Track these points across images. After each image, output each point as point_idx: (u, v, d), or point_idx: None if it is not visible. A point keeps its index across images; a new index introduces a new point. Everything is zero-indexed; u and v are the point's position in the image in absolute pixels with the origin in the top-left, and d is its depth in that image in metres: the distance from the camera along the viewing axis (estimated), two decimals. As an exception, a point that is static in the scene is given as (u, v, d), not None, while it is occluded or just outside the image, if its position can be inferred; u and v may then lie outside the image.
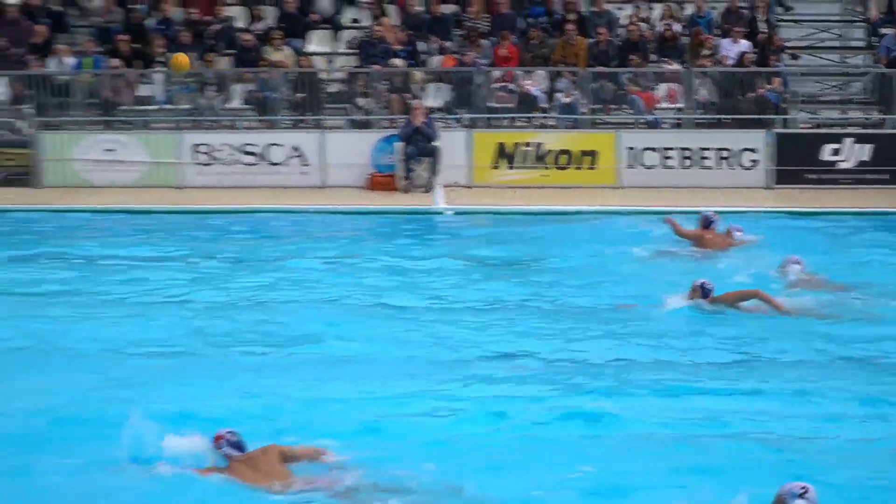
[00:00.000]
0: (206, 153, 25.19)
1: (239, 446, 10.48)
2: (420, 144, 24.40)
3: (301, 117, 26.23)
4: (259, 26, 27.49)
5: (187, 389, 12.97)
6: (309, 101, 26.01)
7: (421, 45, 26.50)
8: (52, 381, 13.39)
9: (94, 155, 25.27)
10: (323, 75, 26.84)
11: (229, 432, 10.53)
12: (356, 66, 26.53)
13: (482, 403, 12.61)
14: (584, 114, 25.42)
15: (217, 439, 10.46)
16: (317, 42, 27.64)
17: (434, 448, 11.30)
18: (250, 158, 25.10)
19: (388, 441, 11.37)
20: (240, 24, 27.92)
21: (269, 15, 27.98)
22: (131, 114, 26.54)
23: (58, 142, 25.47)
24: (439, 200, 23.51)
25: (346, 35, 27.60)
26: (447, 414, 12.33)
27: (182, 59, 18.52)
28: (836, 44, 28.11)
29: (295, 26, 27.40)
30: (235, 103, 26.67)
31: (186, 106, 26.61)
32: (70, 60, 26.78)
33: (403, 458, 10.83)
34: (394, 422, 11.92)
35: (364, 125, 26.09)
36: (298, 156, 25.04)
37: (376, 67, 25.91)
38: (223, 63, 26.97)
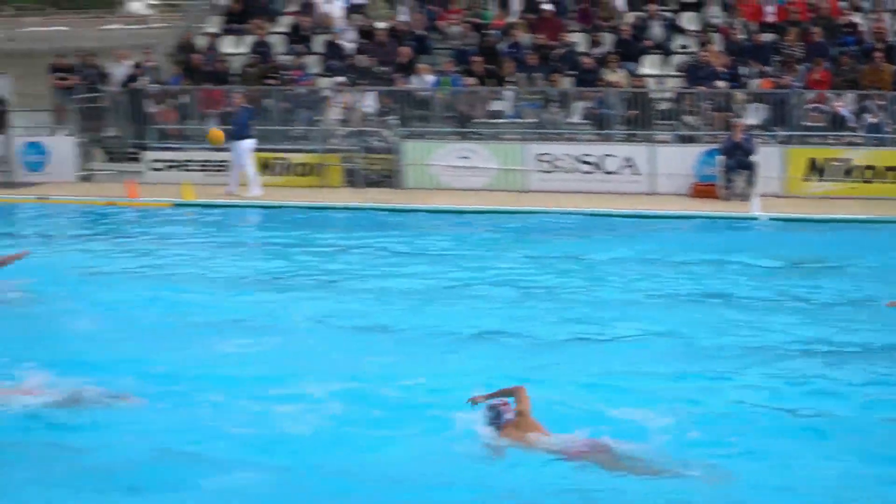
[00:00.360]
0: (548, 161, 26.68)
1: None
2: (739, 158, 25.16)
3: (633, 132, 27.07)
4: (598, 51, 28.56)
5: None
6: (641, 118, 26.99)
7: (742, 69, 27.12)
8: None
9: (449, 161, 27.07)
10: (654, 95, 27.64)
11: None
12: (684, 87, 27.28)
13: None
14: (889, 133, 25.76)
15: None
16: (649, 65, 28.46)
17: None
18: (587, 167, 26.45)
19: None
20: (581, 48, 28.88)
21: (607, 41, 28.91)
22: (483, 126, 27.98)
23: (418, 149, 27.30)
24: (755, 208, 24.08)
25: (676, 59, 28.40)
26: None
27: (217, 133, 20.48)
28: None
29: (630, 51, 28.42)
30: (575, 118, 27.74)
31: (532, 120, 27.75)
32: (430, 78, 28.45)
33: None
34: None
35: (689, 140, 26.85)
36: (630, 166, 26.28)
37: (702, 88, 26.78)
38: (566, 82, 28.06)
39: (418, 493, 10.98)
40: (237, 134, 26.87)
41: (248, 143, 26.97)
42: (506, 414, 11.44)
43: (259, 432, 12.19)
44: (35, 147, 29.49)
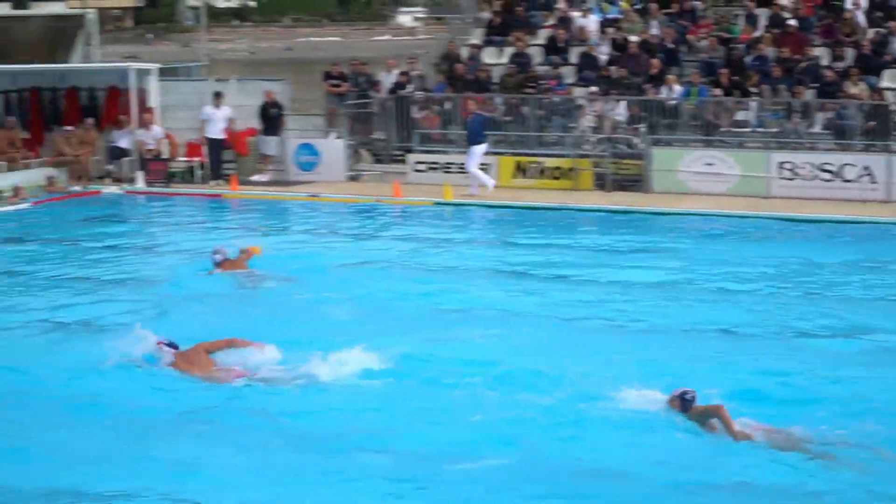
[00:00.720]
0: (789, 169, 27.11)
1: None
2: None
3: (872, 142, 27.31)
4: (840, 64, 28.95)
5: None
6: (879, 129, 27.26)
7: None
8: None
9: (695, 167, 27.72)
10: (893, 107, 27.67)
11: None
12: (923, 101, 27.30)
13: None
14: None
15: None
16: (889, 79, 28.66)
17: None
18: (827, 175, 26.83)
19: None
20: (823, 62, 29.39)
21: (849, 55, 29.31)
22: (728, 134, 28.61)
23: (666, 155, 28.09)
24: None
25: (915, 74, 28.38)
26: None
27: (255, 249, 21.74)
28: None
29: (870, 65, 28.78)
30: (816, 128, 28.16)
31: (775, 129, 28.31)
32: (679, 89, 29.23)
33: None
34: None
35: (926, 150, 26.74)
36: (868, 175, 26.60)
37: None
38: (808, 94, 28.42)
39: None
40: (470, 139, 28.47)
41: (480, 149, 28.43)
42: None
43: (500, 419, 12.68)
44: (308, 148, 31.12)
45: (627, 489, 11.27)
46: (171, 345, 14.26)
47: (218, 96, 30.96)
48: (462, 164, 29.08)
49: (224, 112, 30.80)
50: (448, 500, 11.20)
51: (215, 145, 30.92)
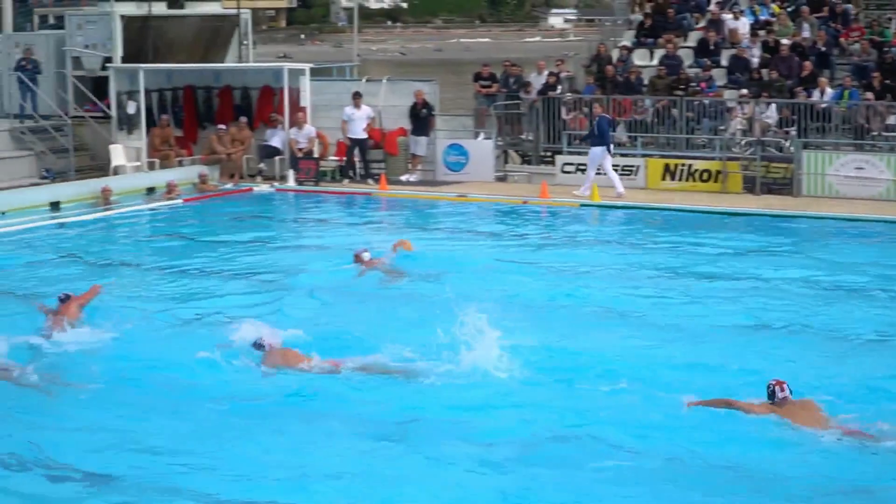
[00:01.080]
0: None
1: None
2: None
3: None
4: None
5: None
6: None
7: None
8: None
9: (845, 171, 27.52)
10: None
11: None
12: None
13: None
14: None
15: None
16: None
17: None
18: None
19: None
20: None
21: None
22: (879, 139, 28.38)
23: (816, 159, 27.80)
24: None
25: None
26: None
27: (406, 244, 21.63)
28: None
29: None
30: None
31: None
32: (830, 92, 29.14)
33: None
34: None
35: None
36: None
37: None
38: None
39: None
40: (594, 140, 28.62)
41: (601, 150, 28.53)
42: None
43: (641, 419, 12.79)
44: (457, 149, 31.44)
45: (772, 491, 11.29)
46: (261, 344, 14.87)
47: (357, 96, 31.28)
48: (611, 165, 29.04)
49: (365, 111, 31.15)
50: (588, 498, 11.24)
51: (357, 145, 31.21)
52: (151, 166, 31.79)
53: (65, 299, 16.78)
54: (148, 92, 32.44)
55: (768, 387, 12.76)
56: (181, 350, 15.36)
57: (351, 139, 31.17)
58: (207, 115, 33.84)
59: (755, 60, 31.27)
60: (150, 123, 32.42)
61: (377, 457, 12.09)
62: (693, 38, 33.27)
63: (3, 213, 26.32)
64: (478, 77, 33.34)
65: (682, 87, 30.84)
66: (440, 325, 14.49)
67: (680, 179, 29.33)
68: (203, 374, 14.58)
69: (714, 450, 12.17)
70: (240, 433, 12.68)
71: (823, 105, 29.11)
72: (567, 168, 30.48)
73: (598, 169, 28.69)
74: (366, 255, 20.37)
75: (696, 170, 29.25)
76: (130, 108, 32.08)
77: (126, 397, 13.84)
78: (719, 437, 12.41)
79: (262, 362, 14.77)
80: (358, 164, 31.45)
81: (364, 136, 31.22)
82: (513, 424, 12.87)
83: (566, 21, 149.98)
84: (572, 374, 14.47)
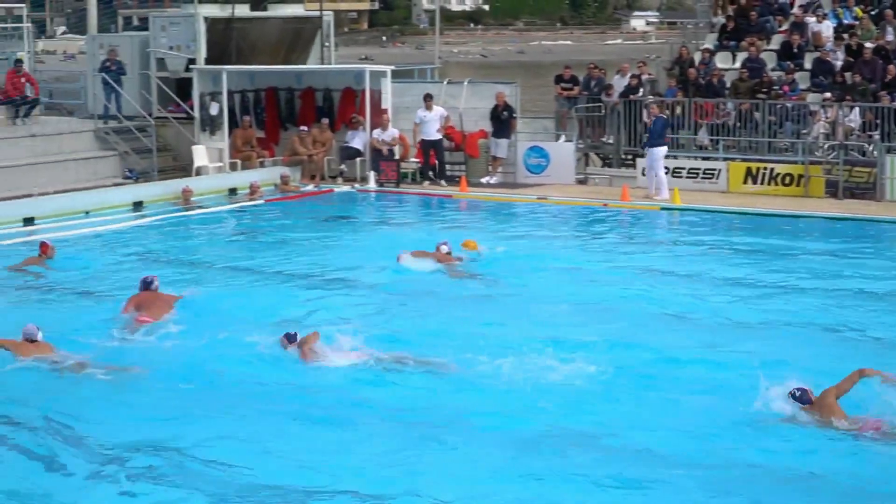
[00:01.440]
0: None
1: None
2: None
3: None
4: None
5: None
6: None
7: None
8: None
9: None
10: None
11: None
12: None
13: None
14: None
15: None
16: None
17: None
18: None
19: None
20: None
21: None
22: None
23: None
24: None
25: None
26: None
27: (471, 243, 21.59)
28: None
29: None
30: None
31: None
32: None
33: None
34: None
35: None
36: None
37: None
38: None
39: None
40: (651, 142, 28.60)
41: (661, 151, 28.60)
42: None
43: (715, 427, 12.72)
44: (537, 151, 31.37)
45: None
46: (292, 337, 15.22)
47: (429, 98, 31.32)
48: (693, 168, 29.13)
49: (437, 112, 31.18)
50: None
51: (431, 146, 31.26)
52: (233, 167, 32.04)
53: (150, 282, 17.43)
54: (231, 93, 32.76)
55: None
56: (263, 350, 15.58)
57: (424, 141, 31.20)
58: (289, 116, 34.09)
59: (838, 64, 31.02)
60: (233, 124, 32.70)
61: (415, 450, 12.26)
62: (776, 41, 33.05)
63: (87, 213, 26.63)
64: (559, 79, 33.31)
65: (764, 90, 30.64)
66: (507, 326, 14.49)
67: (762, 183, 29.14)
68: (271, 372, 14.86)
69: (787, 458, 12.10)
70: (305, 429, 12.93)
71: (909, 109, 28.75)
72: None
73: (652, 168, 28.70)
74: (444, 248, 20.66)
75: (777, 174, 29.07)
76: (213, 110, 32.37)
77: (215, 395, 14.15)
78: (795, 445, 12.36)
79: (299, 357, 15.03)
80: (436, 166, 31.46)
81: (438, 136, 31.25)
82: (593, 429, 12.87)
83: (648, 23, 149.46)
84: (652, 378, 14.48)
